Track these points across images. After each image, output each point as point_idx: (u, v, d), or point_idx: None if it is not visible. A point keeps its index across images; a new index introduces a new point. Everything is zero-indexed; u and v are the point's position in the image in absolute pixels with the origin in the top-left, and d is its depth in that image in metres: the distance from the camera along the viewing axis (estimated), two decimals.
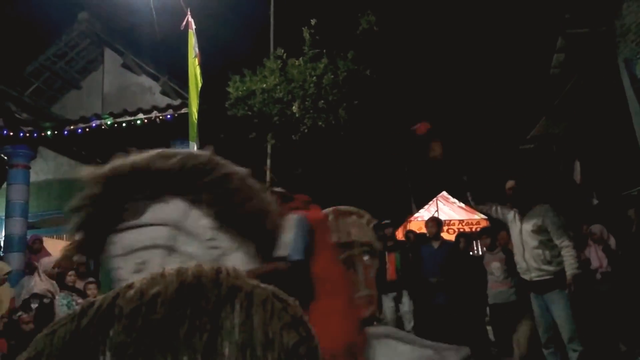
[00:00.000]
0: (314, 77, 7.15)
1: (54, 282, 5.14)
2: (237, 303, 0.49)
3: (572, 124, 8.92)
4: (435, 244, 5.85)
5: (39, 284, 5.05)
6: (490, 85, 14.13)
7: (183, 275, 0.52)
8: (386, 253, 5.94)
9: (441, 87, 14.20)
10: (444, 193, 11.17)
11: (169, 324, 0.47)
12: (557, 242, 3.88)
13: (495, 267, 5.34)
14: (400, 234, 9.38)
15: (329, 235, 2.61)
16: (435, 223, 6.07)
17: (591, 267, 5.19)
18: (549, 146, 9.97)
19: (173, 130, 7.19)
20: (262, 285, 0.51)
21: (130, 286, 0.51)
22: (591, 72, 7.51)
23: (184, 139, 6.52)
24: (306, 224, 2.29)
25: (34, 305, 4.71)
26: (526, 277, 4.09)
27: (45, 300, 4.79)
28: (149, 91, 9.37)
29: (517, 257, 4.17)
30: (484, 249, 5.88)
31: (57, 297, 4.81)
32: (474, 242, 8.58)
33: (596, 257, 5.27)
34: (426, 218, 10.15)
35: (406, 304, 5.75)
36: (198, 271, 0.52)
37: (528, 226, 4.02)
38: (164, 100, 8.42)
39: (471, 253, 7.64)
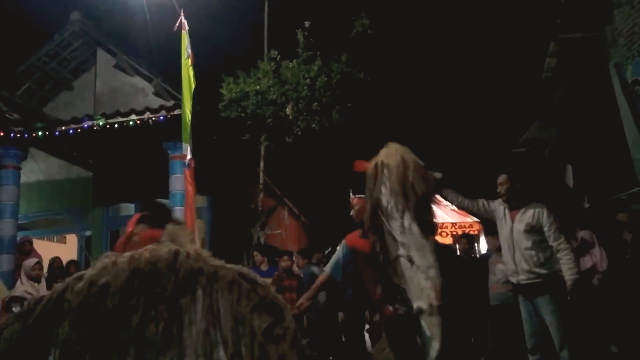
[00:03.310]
0: (308, 79, 7.15)
1: (36, 284, 5.08)
2: (199, 287, 0.47)
3: (564, 128, 8.96)
4: None
5: (20, 286, 5.00)
6: (483, 89, 14.20)
7: (136, 261, 0.49)
8: None
9: (434, 90, 14.25)
10: (436, 195, 11.14)
11: (120, 316, 0.45)
12: (553, 244, 3.68)
13: (499, 269, 5.30)
14: None
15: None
16: None
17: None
18: (541, 150, 10.02)
19: (166, 131, 7.14)
20: (227, 265, 0.49)
21: (79, 277, 0.48)
22: (583, 76, 7.56)
23: (177, 140, 6.47)
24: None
25: (15, 309, 4.66)
26: (513, 279, 3.89)
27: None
28: (141, 92, 9.31)
29: (506, 258, 3.96)
30: (490, 248, 5.82)
31: None
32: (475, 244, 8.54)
33: (589, 259, 5.30)
34: None
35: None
36: (153, 256, 0.49)
37: (520, 226, 3.80)
38: (157, 102, 8.38)
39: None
